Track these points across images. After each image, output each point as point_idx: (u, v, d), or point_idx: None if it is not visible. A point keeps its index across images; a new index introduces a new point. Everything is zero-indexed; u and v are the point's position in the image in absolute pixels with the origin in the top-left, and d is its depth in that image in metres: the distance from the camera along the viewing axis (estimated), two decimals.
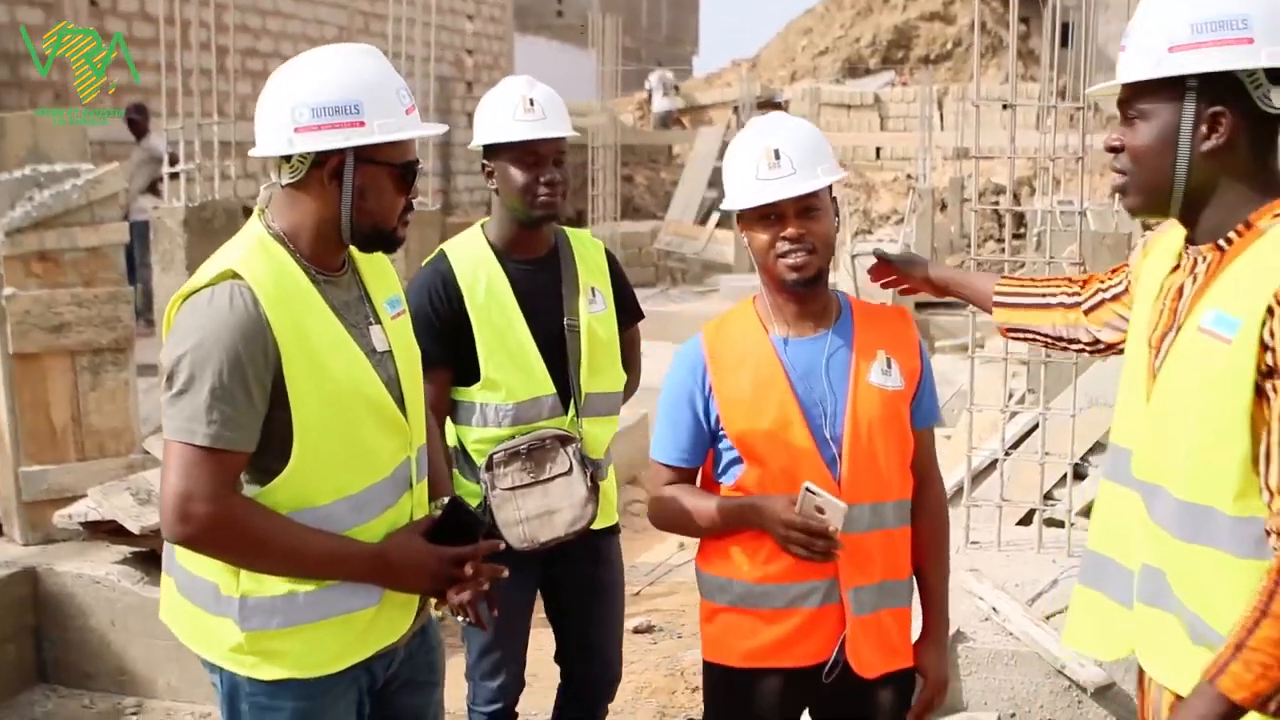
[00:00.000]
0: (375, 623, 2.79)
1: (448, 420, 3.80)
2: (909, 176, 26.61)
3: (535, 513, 3.67)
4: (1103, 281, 3.00)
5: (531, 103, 3.67)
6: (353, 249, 2.84)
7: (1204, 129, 2.34)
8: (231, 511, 2.56)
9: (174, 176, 7.41)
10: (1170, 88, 2.35)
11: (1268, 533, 2.19)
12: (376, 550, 2.73)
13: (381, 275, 2.96)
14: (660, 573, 7.15)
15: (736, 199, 3.03)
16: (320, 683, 2.75)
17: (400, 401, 2.83)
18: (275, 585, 2.68)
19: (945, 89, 27.58)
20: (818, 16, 38.64)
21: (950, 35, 37.66)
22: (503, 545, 2.95)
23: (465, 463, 3.79)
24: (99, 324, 5.93)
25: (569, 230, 4.00)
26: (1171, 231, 2.61)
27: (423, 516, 2.88)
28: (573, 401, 3.77)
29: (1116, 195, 2.52)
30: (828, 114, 27.41)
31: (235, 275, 2.60)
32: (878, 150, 27.80)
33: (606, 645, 4.04)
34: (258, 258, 2.67)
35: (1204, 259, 2.41)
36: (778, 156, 2.96)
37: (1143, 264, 2.72)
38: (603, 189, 18.19)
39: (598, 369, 3.84)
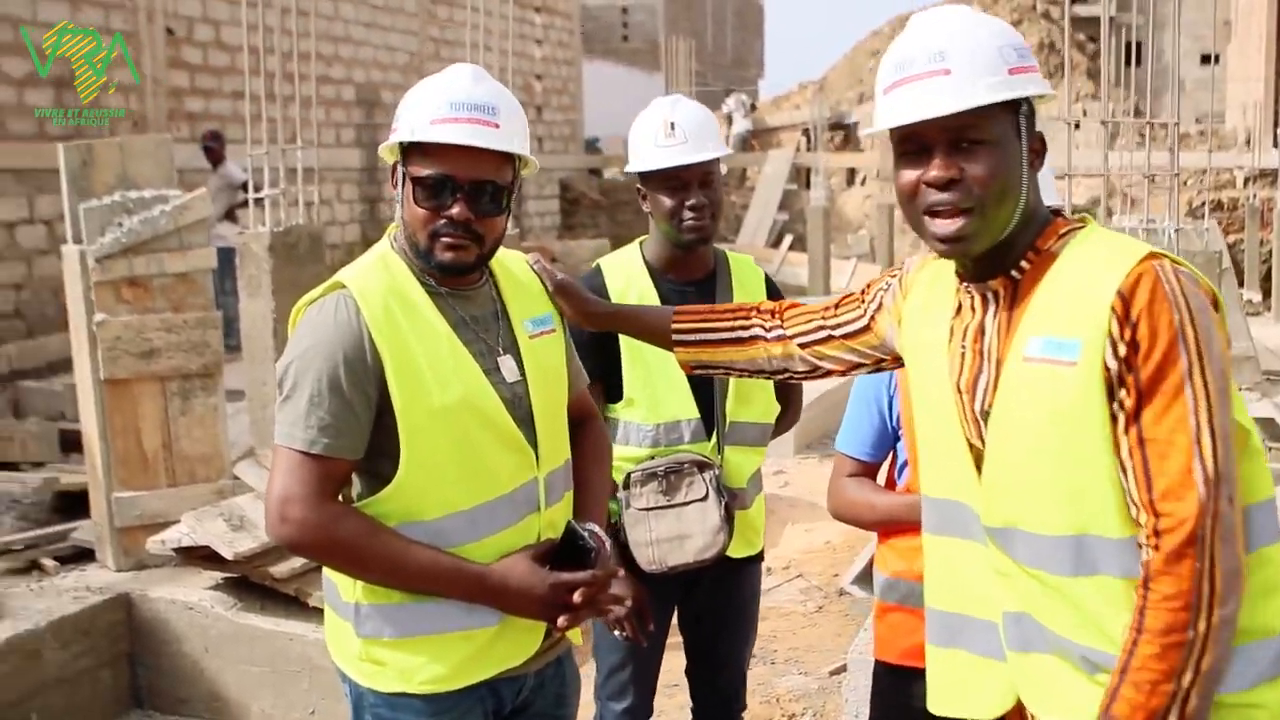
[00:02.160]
0: (497, 643, 2.71)
1: None
2: None
3: (667, 536, 3.61)
4: (824, 316, 2.82)
5: (672, 127, 3.61)
6: (495, 263, 2.84)
7: (1032, 154, 2.29)
8: (328, 517, 2.54)
9: (257, 203, 7.42)
10: (1009, 112, 2.25)
11: (1140, 545, 2.13)
12: (483, 570, 2.64)
13: (525, 292, 2.91)
14: None
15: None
16: (441, 700, 2.68)
17: (529, 422, 2.75)
18: (389, 593, 2.64)
19: None
20: (885, 38, 38.49)
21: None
22: (620, 572, 2.89)
23: None
24: (188, 349, 5.93)
25: (731, 255, 3.92)
26: (926, 270, 2.55)
27: (546, 540, 2.79)
28: (716, 428, 3.71)
29: (948, 240, 2.25)
30: None
31: (342, 286, 2.63)
32: None
33: (734, 673, 3.98)
34: (372, 272, 2.68)
35: (994, 293, 2.33)
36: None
37: (905, 306, 2.60)
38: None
39: (746, 398, 3.75)
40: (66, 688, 5.21)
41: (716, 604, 3.86)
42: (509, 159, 2.67)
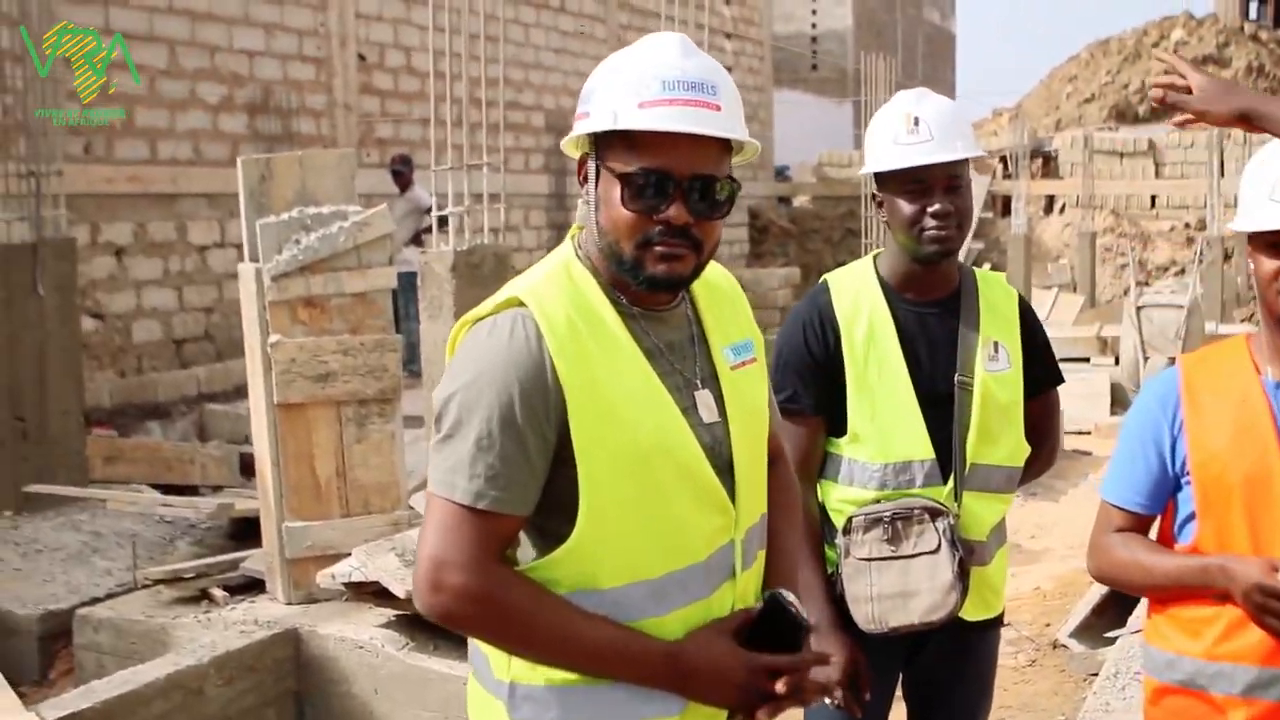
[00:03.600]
0: None
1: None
2: (1187, 225, 25.38)
3: (890, 591, 3.12)
4: None
5: (916, 122, 3.15)
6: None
7: None
8: (491, 584, 2.11)
9: (442, 224, 7.17)
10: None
11: None
12: (671, 649, 2.18)
13: (728, 313, 2.42)
14: None
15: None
16: None
17: (728, 471, 2.27)
18: (551, 674, 2.17)
19: (1229, 133, 26.26)
20: (1082, 63, 37.54)
21: (1225, 78, 36.00)
22: (833, 660, 2.42)
23: (825, 523, 3.27)
24: (365, 373, 5.67)
25: (981, 273, 3.43)
26: None
27: (740, 610, 2.30)
28: (954, 471, 3.21)
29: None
30: (1099, 161, 26.29)
31: (520, 303, 2.16)
32: (1153, 199, 26.61)
33: None
34: (554, 284, 2.21)
35: None
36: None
37: None
38: (874, 240, 17.64)
39: (989, 437, 3.23)
40: None
41: (946, 673, 3.35)
42: (728, 148, 2.20)
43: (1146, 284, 22.06)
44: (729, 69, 26.04)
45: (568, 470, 2.13)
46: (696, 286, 2.34)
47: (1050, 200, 27.51)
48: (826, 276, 3.37)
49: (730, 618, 2.26)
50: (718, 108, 2.14)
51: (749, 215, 25.28)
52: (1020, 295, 3.44)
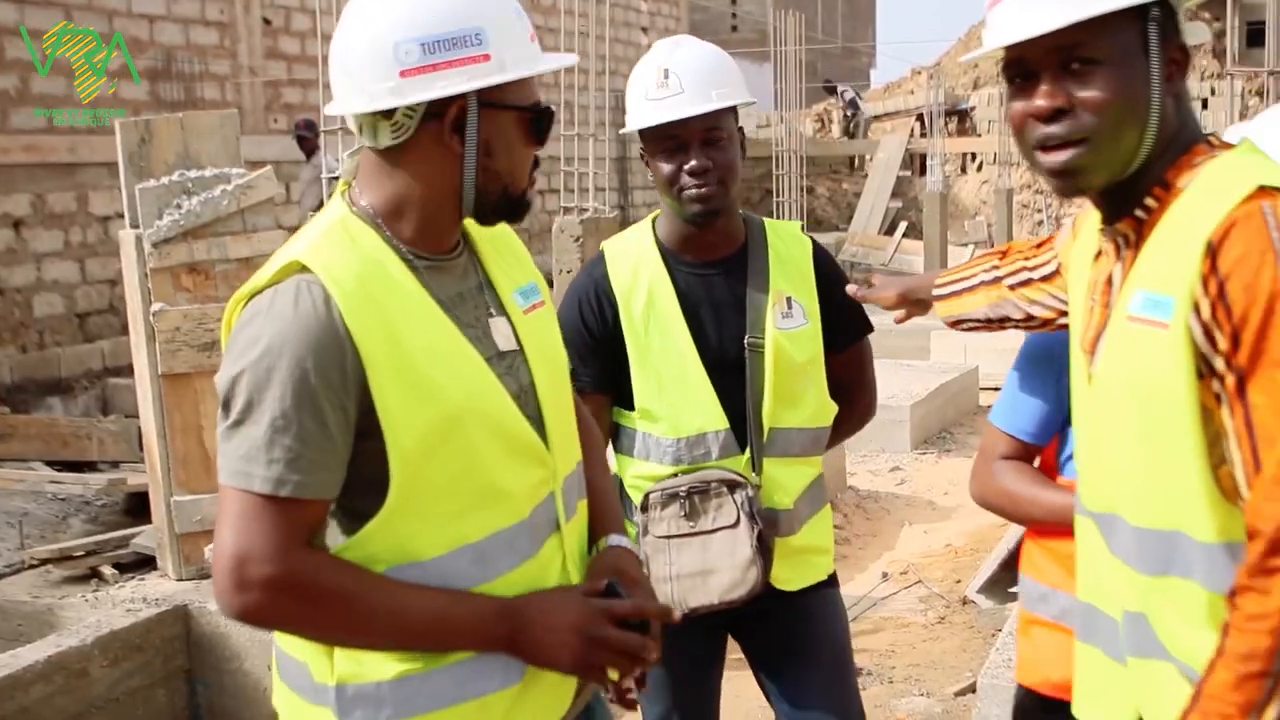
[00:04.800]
0: (518, 708, 2.11)
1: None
2: None
3: (690, 570, 2.95)
4: (1026, 257, 2.61)
5: (666, 74, 2.94)
6: (470, 225, 2.21)
7: (1172, 66, 1.94)
8: (303, 571, 1.94)
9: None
10: (1131, 20, 1.91)
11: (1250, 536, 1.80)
12: (505, 601, 2.06)
13: (509, 258, 2.31)
14: (863, 607, 6.46)
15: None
16: None
17: (538, 420, 2.17)
18: (381, 667, 2.02)
19: None
20: None
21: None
22: (678, 614, 2.27)
23: (622, 500, 3.07)
24: None
25: (771, 223, 3.21)
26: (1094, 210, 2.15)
27: (579, 585, 2.20)
28: (750, 438, 3.03)
29: (1059, 175, 1.97)
30: None
31: (302, 268, 1.98)
32: None
33: (834, 710, 3.18)
34: (334, 244, 2.03)
35: (1124, 237, 2.02)
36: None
37: (1071, 249, 2.30)
38: (786, 199, 17.58)
39: (788, 399, 3.04)
40: (116, 708, 4.78)
41: (789, 646, 3.14)
42: None
43: None
44: (644, 30, 25.92)
45: (371, 443, 1.97)
46: (477, 233, 2.24)
47: (967, 158, 27.62)
48: (604, 245, 3.19)
49: (574, 587, 2.18)
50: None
51: None
52: (818, 245, 3.24)
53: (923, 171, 24.34)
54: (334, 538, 2.04)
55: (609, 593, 2.16)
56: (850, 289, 2.80)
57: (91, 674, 4.71)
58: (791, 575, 3.08)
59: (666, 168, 2.96)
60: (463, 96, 2.03)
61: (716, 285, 3.07)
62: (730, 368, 3.03)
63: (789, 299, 3.08)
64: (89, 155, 12.76)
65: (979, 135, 27.46)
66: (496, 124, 2.07)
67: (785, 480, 3.06)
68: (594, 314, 3.06)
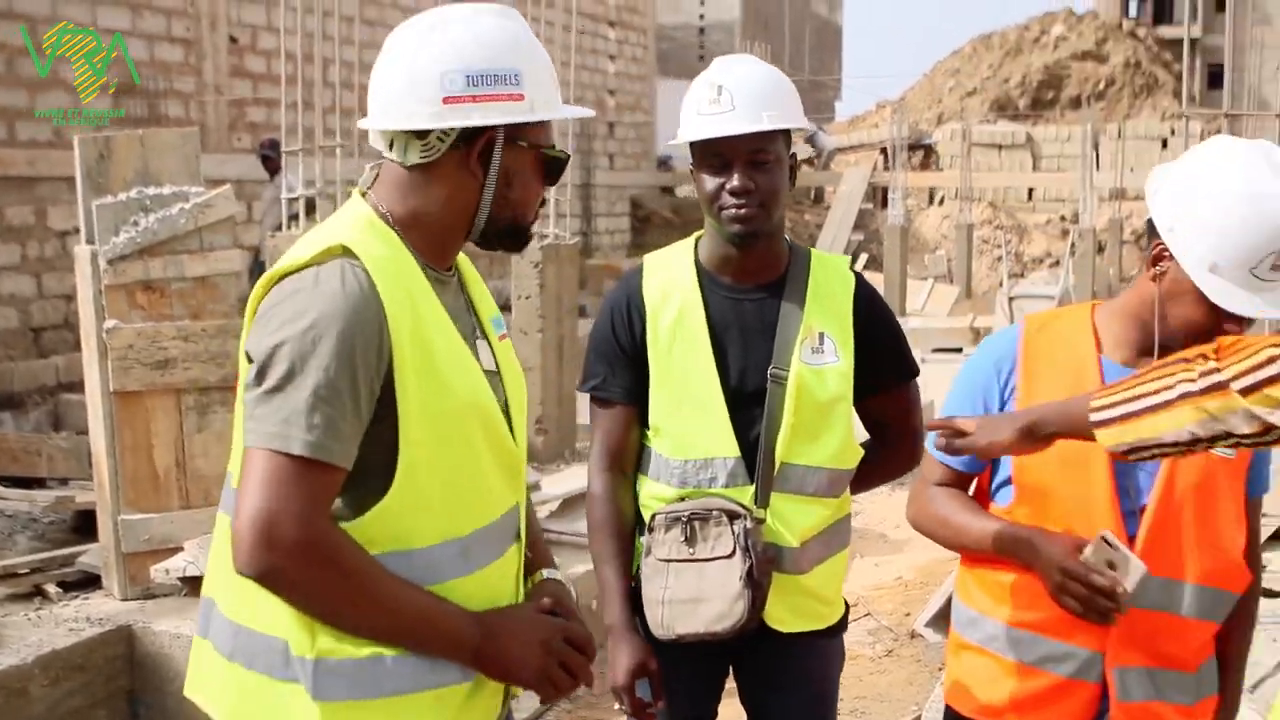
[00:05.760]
0: (470, 705, 2.23)
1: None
2: (1063, 218, 25.77)
3: (683, 596, 2.90)
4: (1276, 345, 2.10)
5: (720, 91, 2.88)
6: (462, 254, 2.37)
7: None
8: (326, 539, 2.03)
9: (310, 210, 7.03)
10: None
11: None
12: (480, 617, 2.20)
13: (482, 289, 2.48)
14: None
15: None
16: None
17: (511, 435, 2.33)
18: (359, 645, 2.11)
19: (1102, 128, 26.69)
20: (965, 57, 38.05)
21: (1103, 75, 36.79)
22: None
23: (639, 520, 3.08)
24: (206, 360, 5.47)
25: (818, 255, 3.12)
26: None
27: (526, 603, 2.38)
28: (757, 471, 2.95)
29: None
30: (978, 154, 26.62)
31: (345, 251, 2.12)
32: (1030, 191, 26.98)
33: None
34: (372, 236, 2.19)
35: None
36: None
37: None
38: None
39: (806, 435, 2.95)
40: None
41: (771, 686, 3.11)
42: None
43: (1022, 275, 22.40)
44: (612, 58, 25.97)
45: (383, 427, 2.09)
46: (461, 261, 2.41)
47: (931, 192, 27.81)
48: (645, 257, 3.16)
49: (528, 605, 2.35)
50: None
51: (631, 205, 25.21)
52: (862, 281, 3.12)
53: (885, 205, 24.48)
54: (340, 520, 2.12)
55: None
56: (938, 443, 2.55)
57: (31, 693, 4.68)
58: (788, 617, 3.00)
59: (710, 185, 2.92)
60: (494, 128, 2.20)
61: (748, 311, 3.01)
62: (750, 396, 2.97)
63: (821, 334, 3.00)
64: (48, 169, 12.67)
65: (941, 170, 27.65)
66: (518, 158, 2.25)
67: (794, 518, 2.98)
68: (624, 325, 3.04)
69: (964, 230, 22.39)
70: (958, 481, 2.74)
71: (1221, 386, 2.10)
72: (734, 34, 40.48)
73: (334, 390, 2.02)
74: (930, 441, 2.70)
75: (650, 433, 3.04)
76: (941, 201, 27.23)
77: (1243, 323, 2.39)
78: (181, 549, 5.21)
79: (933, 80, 38.21)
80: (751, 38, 31.04)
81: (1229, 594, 2.56)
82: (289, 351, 2.03)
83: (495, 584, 2.27)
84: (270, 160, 13.74)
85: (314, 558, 2.01)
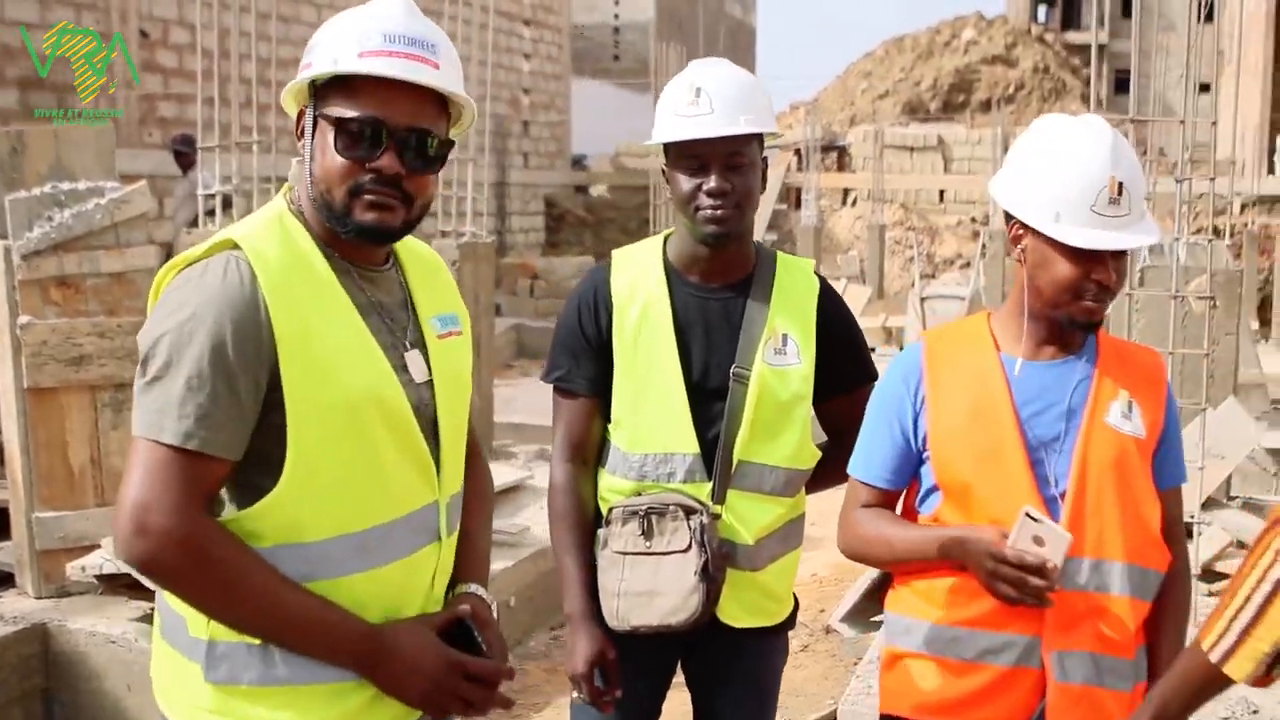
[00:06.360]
0: (375, 706, 2.21)
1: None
2: (974, 220, 26.10)
3: (638, 589, 2.96)
4: None
5: (698, 93, 2.94)
6: (399, 247, 2.37)
7: None
8: (200, 533, 2.04)
9: (226, 206, 6.97)
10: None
11: None
12: (372, 629, 2.17)
13: (433, 284, 2.44)
14: None
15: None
16: None
17: (432, 432, 2.30)
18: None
19: (1012, 131, 27.10)
20: (877, 60, 38.37)
21: (1012, 79, 37.29)
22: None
23: (599, 512, 3.14)
24: (122, 356, 5.42)
25: (784, 258, 3.19)
26: None
27: (438, 613, 2.33)
28: (715, 468, 3.02)
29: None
30: (890, 156, 26.89)
31: (234, 246, 2.14)
32: (941, 193, 27.28)
33: None
34: (267, 232, 2.20)
35: None
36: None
37: None
38: (664, 229, 17.73)
39: (765, 434, 3.02)
40: None
41: (718, 678, 3.18)
42: (444, 111, 2.24)
43: (933, 276, 22.66)
44: (527, 56, 25.94)
45: (274, 418, 2.10)
46: (405, 256, 2.39)
47: (844, 193, 28.04)
48: (614, 252, 3.21)
49: (433, 616, 2.29)
50: (436, 65, 2.18)
51: (545, 204, 25.21)
52: (826, 285, 3.20)
53: (799, 205, 24.66)
54: (226, 511, 2.14)
55: (461, 629, 2.27)
56: None
57: None
58: (740, 613, 3.06)
59: (686, 186, 2.97)
60: (306, 107, 2.23)
61: (713, 310, 3.06)
62: (712, 394, 3.03)
63: (785, 335, 3.07)
64: None
65: (854, 171, 27.90)
66: (322, 133, 2.21)
67: (750, 515, 3.04)
68: (590, 317, 3.08)
69: (876, 231, 22.63)
70: (884, 501, 2.79)
71: None
72: (648, 34, 40.57)
73: (205, 380, 2.04)
74: (851, 465, 2.80)
75: (611, 426, 3.08)
76: (854, 203, 27.48)
77: (1108, 269, 2.51)
78: (98, 546, 5.17)
79: (845, 82, 38.53)
80: (666, 38, 31.14)
81: (1155, 572, 2.63)
82: (168, 343, 2.06)
83: (400, 583, 2.24)
84: (183, 155, 13.58)
85: (186, 548, 2.03)
